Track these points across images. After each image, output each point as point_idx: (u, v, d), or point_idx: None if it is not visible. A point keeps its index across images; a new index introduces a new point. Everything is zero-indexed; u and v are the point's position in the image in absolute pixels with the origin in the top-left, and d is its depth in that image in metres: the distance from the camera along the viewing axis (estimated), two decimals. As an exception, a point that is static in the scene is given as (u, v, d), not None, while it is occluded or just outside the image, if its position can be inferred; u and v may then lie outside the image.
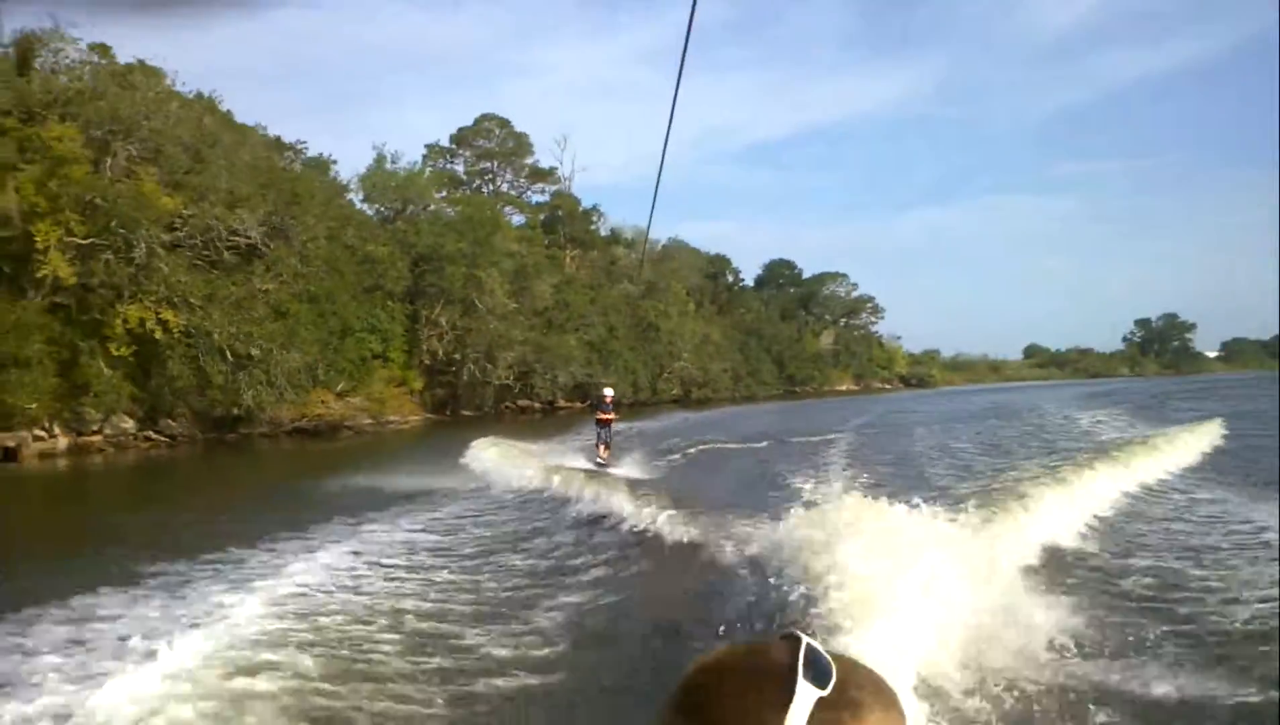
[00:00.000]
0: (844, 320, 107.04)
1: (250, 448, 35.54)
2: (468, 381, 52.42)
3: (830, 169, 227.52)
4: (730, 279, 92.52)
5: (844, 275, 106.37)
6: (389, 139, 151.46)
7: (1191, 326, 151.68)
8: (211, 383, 30.93)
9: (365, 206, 55.59)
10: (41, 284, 27.30)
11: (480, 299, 51.78)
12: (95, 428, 32.63)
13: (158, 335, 28.78)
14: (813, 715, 0.86)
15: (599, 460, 21.52)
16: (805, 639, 0.90)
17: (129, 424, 34.03)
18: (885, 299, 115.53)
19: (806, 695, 0.86)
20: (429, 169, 64.46)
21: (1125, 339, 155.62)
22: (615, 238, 76.10)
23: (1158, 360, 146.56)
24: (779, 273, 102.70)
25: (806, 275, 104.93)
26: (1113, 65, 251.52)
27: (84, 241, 27.48)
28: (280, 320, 32.75)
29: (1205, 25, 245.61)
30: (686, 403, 66.10)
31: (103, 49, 34.70)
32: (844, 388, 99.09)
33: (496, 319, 52.04)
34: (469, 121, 69.72)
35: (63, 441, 30.12)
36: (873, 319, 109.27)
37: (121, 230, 27.26)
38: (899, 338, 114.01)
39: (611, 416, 22.33)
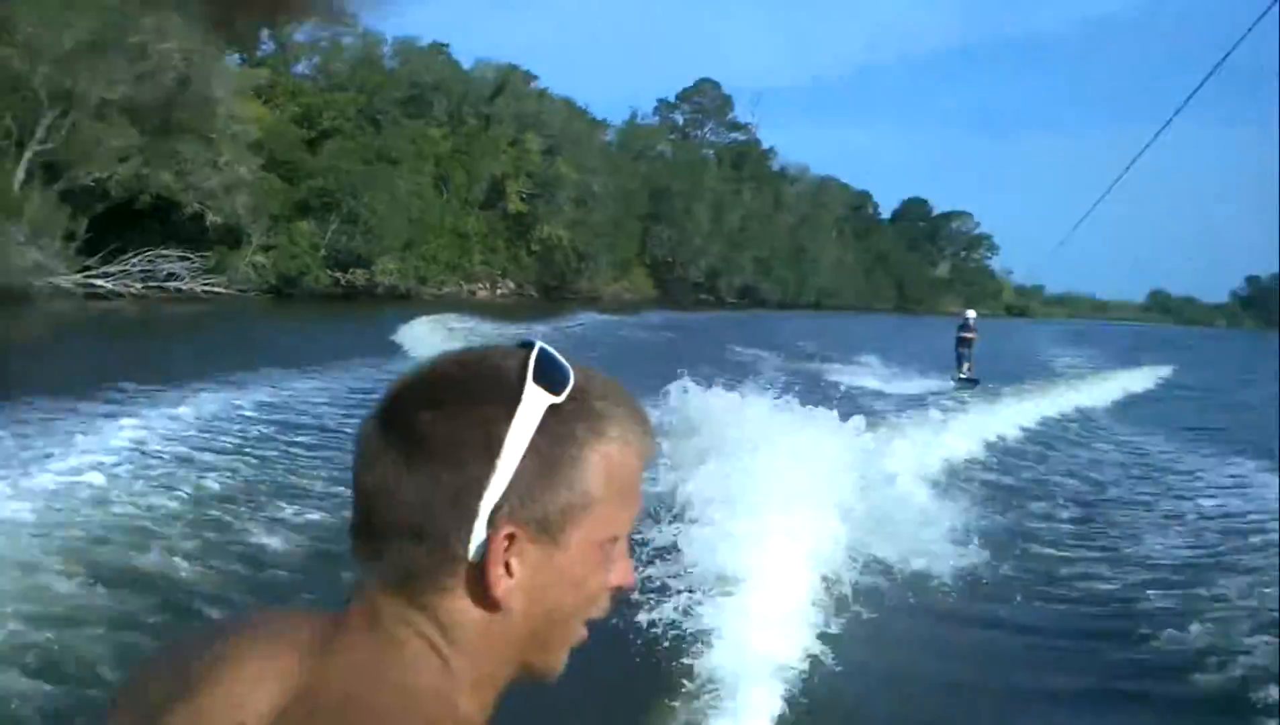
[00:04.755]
0: (963, 252, 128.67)
1: (566, 303, 63.31)
2: (674, 278, 78.73)
3: (961, 85, 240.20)
4: (869, 211, 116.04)
5: (968, 214, 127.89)
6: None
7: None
8: (569, 268, 58.42)
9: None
10: (502, 211, 54.98)
11: (689, 222, 77.51)
12: (498, 288, 60.96)
13: (553, 242, 56.07)
14: (543, 425, 0.76)
15: (961, 376, 22.35)
16: (540, 344, 0.79)
17: (511, 286, 62.34)
18: (1004, 229, 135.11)
19: (536, 401, 0.76)
20: (658, 120, 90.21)
21: (1232, 293, 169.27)
22: (783, 175, 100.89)
23: (1260, 316, 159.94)
24: (912, 210, 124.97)
25: (936, 212, 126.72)
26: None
27: (527, 193, 54.99)
28: (603, 236, 59.83)
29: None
30: (818, 308, 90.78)
31: (512, 68, 61.41)
32: (953, 310, 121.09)
33: (699, 237, 77.91)
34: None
35: (493, 292, 58.41)
36: (988, 254, 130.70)
37: (549, 187, 54.67)
38: (1010, 272, 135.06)
39: (973, 335, 22.94)
